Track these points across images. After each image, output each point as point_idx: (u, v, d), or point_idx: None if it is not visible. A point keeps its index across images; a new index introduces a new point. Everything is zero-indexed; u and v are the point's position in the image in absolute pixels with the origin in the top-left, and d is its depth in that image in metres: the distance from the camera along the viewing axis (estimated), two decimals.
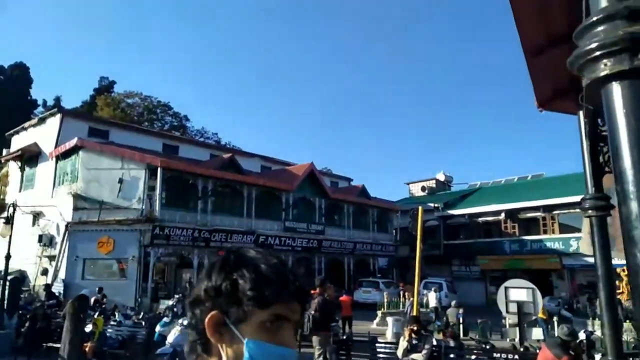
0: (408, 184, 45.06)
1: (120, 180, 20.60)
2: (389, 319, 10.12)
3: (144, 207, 20.10)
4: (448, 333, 9.22)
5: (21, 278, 18.78)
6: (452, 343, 7.32)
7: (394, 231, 33.97)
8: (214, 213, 22.58)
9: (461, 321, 12.89)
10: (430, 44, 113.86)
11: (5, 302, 10.64)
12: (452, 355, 6.59)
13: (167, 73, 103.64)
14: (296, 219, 26.77)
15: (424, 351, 6.04)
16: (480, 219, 32.92)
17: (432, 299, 16.37)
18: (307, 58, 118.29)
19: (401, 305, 19.04)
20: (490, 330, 12.78)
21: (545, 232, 29.43)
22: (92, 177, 21.05)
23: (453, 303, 13.59)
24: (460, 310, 13.05)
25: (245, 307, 0.84)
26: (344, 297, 14.74)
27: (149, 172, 20.61)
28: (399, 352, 6.30)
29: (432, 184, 43.50)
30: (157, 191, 20.20)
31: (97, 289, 17.58)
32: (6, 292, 10.74)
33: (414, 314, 11.64)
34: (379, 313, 17.65)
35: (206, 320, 0.86)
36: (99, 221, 19.96)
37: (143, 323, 10.98)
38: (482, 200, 34.13)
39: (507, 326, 11.22)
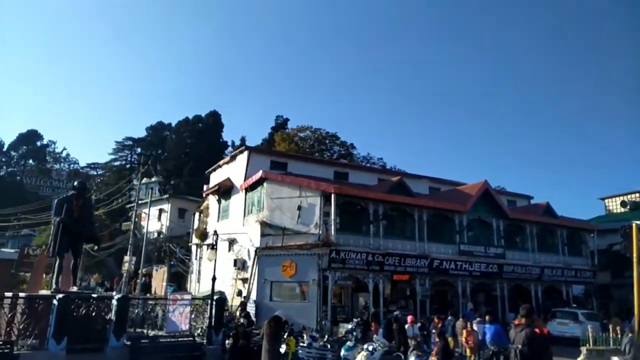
0: (603, 199, 38.93)
1: (299, 207, 21.99)
2: None
3: (320, 232, 21.06)
4: None
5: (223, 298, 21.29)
6: None
7: (589, 254, 29.47)
8: (386, 237, 22.51)
9: None
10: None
11: (213, 319, 12.00)
12: None
13: (334, 104, 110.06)
14: (472, 242, 25.11)
15: None
16: None
17: None
18: (471, 73, 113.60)
19: (612, 342, 16.10)
20: None
21: None
22: (275, 205, 22.95)
23: None
24: None
25: None
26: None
27: (323, 198, 21.60)
28: None
29: (636, 197, 36.74)
30: (332, 216, 20.99)
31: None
32: (213, 310, 12.11)
33: None
34: (584, 350, 15.14)
35: None
36: (283, 246, 21.54)
37: (328, 346, 11.23)
38: None
39: None
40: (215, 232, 14.72)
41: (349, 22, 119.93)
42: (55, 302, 9.78)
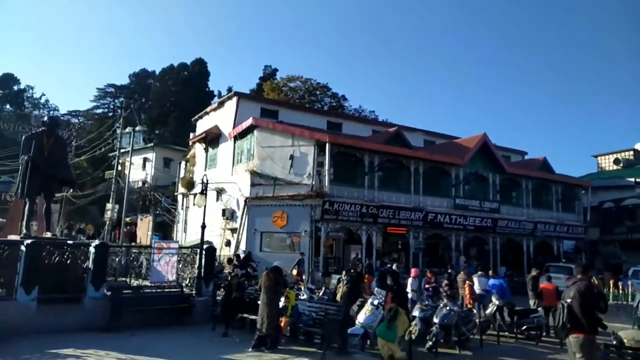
0: (596, 156, 38.55)
1: (291, 157, 20.98)
2: None
3: (313, 182, 20.17)
4: None
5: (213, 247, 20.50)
6: None
7: (582, 210, 29.26)
8: (381, 189, 21.80)
9: None
10: None
11: (202, 270, 11.10)
12: None
13: (325, 55, 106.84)
14: (467, 195, 24.54)
15: None
16: None
17: None
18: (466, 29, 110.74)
19: (611, 298, 15.84)
20: None
21: None
22: (266, 154, 21.85)
23: None
24: None
25: None
26: (546, 284, 12.57)
27: (317, 148, 20.59)
28: None
29: (630, 155, 36.39)
30: (326, 167, 20.04)
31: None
32: (203, 260, 11.20)
33: None
34: None
35: None
36: (274, 196, 20.64)
37: (326, 298, 10.50)
38: None
39: None
40: (205, 176, 13.65)
41: None
42: (23, 248, 8.73)
